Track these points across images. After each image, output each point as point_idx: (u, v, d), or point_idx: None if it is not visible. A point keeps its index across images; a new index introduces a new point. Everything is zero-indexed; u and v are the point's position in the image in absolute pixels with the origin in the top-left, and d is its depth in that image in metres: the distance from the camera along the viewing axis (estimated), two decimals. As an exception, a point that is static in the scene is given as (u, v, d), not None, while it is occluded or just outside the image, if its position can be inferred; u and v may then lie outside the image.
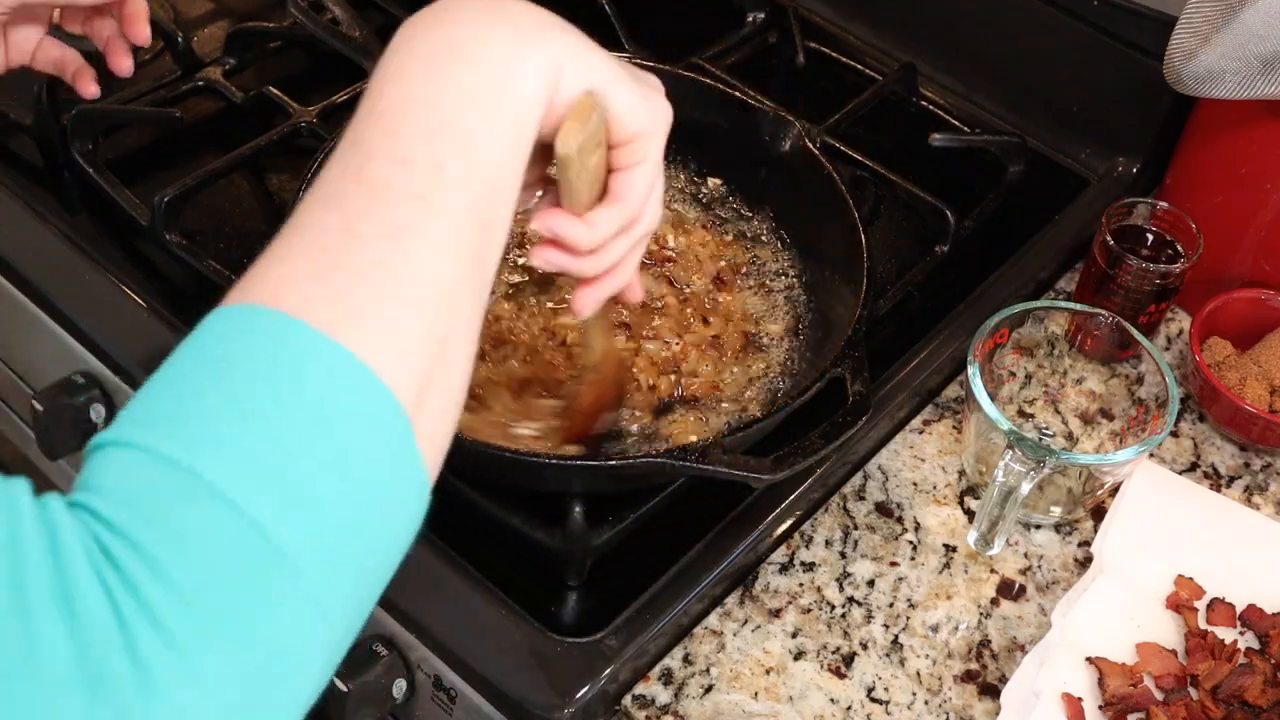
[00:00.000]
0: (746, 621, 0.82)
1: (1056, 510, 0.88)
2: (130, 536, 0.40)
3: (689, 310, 0.91)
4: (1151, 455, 0.93)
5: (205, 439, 0.42)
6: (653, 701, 0.78)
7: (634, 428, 0.84)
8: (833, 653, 0.81)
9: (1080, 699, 0.76)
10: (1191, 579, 0.84)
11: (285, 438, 0.43)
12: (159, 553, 0.40)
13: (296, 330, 0.45)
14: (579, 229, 0.62)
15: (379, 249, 0.48)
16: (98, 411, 0.93)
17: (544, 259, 0.63)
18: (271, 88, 1.05)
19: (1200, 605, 0.83)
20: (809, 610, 0.83)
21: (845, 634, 0.82)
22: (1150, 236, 0.98)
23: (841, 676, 0.80)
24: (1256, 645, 0.82)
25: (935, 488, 0.90)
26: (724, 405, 0.86)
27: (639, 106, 0.62)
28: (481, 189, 0.52)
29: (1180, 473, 0.93)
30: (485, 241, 0.53)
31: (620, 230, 0.64)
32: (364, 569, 0.45)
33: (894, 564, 0.85)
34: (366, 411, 0.45)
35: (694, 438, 0.83)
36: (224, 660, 0.40)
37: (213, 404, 0.43)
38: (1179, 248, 0.97)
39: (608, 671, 0.75)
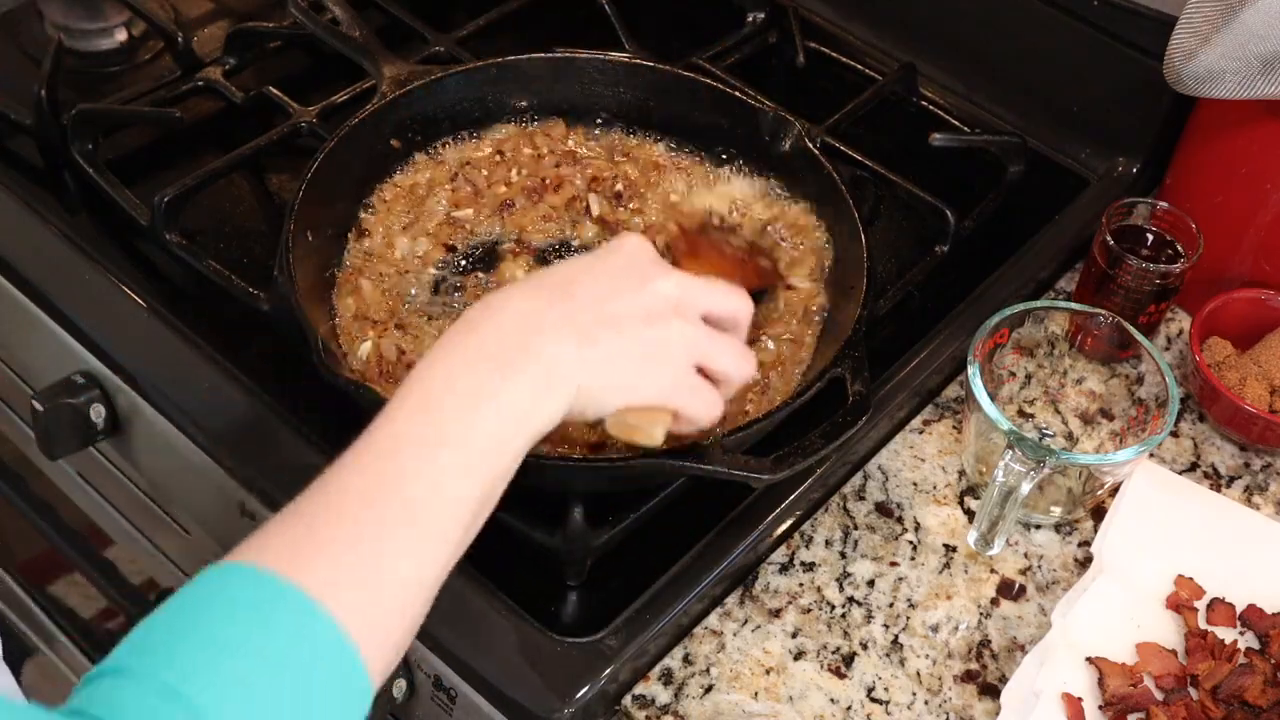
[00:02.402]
0: (746, 621, 0.82)
1: (1056, 510, 0.88)
2: None
3: None
4: (1151, 455, 0.93)
5: (195, 670, 0.50)
6: (653, 701, 0.78)
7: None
8: (833, 653, 0.81)
9: (1080, 699, 0.77)
10: (1191, 579, 0.84)
11: (258, 675, 0.51)
12: None
13: (287, 591, 0.53)
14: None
15: (382, 546, 0.56)
16: (98, 411, 0.93)
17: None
18: (271, 88, 1.05)
19: (1200, 605, 0.83)
20: (809, 610, 0.83)
21: (845, 634, 0.82)
22: (1150, 236, 0.98)
23: (841, 676, 0.80)
24: (1256, 645, 0.82)
25: (935, 488, 0.90)
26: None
27: (696, 413, 0.69)
28: (487, 498, 0.61)
29: (1180, 473, 0.93)
30: (472, 530, 0.61)
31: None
32: None
33: (894, 564, 0.86)
34: (338, 671, 0.53)
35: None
36: None
37: (201, 641, 0.51)
38: (1179, 248, 0.97)
39: (608, 671, 0.75)
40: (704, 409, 0.69)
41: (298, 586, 0.52)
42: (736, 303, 0.72)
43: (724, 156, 0.99)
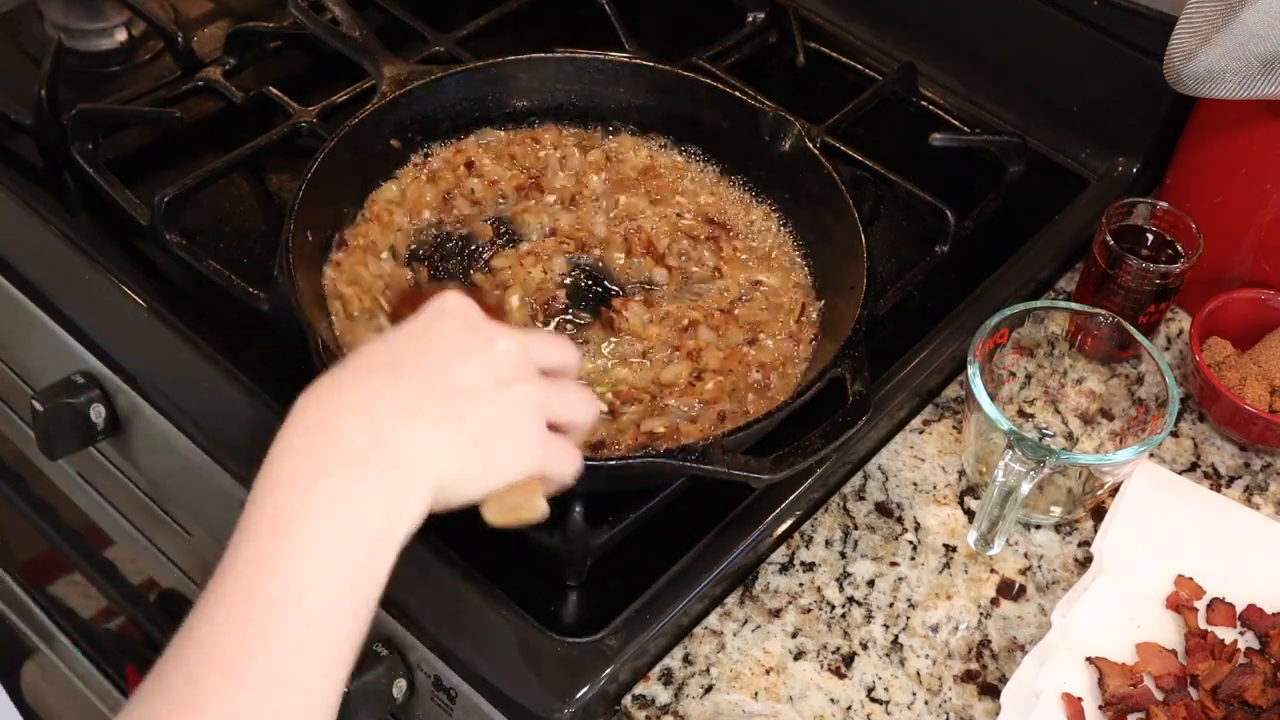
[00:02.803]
0: (746, 621, 0.82)
1: (1056, 510, 0.88)
2: None
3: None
4: (1151, 455, 0.93)
5: None
6: (653, 701, 0.78)
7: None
8: (833, 653, 0.81)
9: (1080, 699, 0.77)
10: (1191, 579, 0.84)
11: None
12: None
13: None
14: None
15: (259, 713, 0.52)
16: (98, 411, 0.93)
17: None
18: (271, 88, 1.05)
19: (1200, 605, 0.83)
20: (809, 610, 0.83)
21: (845, 634, 0.82)
22: (1150, 236, 0.98)
23: (841, 676, 0.80)
24: (1256, 645, 0.82)
25: (935, 488, 0.90)
26: (724, 405, 0.86)
27: (561, 469, 0.65)
28: (356, 624, 0.56)
29: (1180, 473, 0.93)
30: (354, 640, 0.56)
31: None
32: None
33: (894, 564, 0.86)
34: None
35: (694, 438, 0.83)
36: None
37: None
38: (1179, 248, 0.97)
39: (608, 671, 0.75)
40: (566, 465, 0.65)
41: None
42: (566, 349, 0.68)
43: (699, 153, 0.99)
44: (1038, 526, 0.89)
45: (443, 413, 0.59)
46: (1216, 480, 0.93)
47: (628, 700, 0.77)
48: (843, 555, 0.86)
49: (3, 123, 1.02)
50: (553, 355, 0.67)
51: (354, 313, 0.86)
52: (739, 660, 0.80)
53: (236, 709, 0.51)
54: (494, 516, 0.63)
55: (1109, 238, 0.95)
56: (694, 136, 1.00)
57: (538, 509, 0.64)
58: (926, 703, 0.79)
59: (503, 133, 1.00)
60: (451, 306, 0.65)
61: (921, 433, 0.93)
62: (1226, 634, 0.82)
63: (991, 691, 0.80)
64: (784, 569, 0.85)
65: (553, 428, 0.65)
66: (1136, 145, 1.09)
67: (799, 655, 0.80)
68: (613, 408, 0.84)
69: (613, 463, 0.77)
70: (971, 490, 0.90)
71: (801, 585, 0.84)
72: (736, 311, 0.91)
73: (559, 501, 0.76)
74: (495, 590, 0.78)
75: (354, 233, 0.91)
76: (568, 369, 0.69)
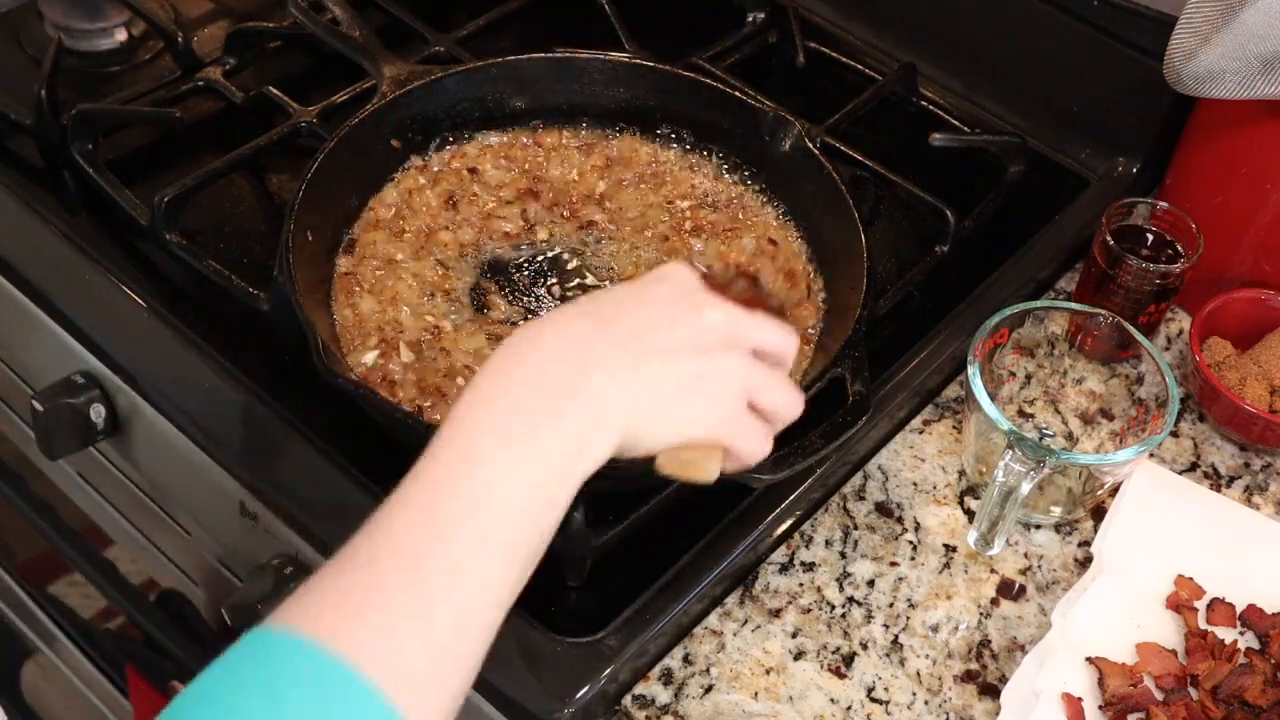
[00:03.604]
0: (746, 621, 0.82)
1: (1056, 510, 0.88)
2: None
3: None
4: (1151, 455, 0.93)
5: None
6: (653, 701, 0.78)
7: None
8: (833, 653, 0.81)
9: (1080, 699, 0.77)
10: (1191, 579, 0.84)
11: None
12: None
13: (331, 666, 0.51)
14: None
15: (429, 611, 0.54)
16: (98, 411, 0.93)
17: None
18: (271, 88, 1.05)
19: (1200, 605, 0.83)
20: (809, 610, 0.83)
21: (845, 634, 0.82)
22: (1150, 236, 0.98)
23: (841, 676, 0.80)
24: (1256, 645, 0.82)
25: (935, 488, 0.90)
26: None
27: (746, 448, 0.66)
28: (529, 554, 0.58)
29: (1180, 473, 0.93)
30: (523, 577, 0.58)
31: None
32: None
33: (894, 564, 0.86)
34: None
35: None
36: None
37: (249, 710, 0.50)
38: (1179, 248, 0.97)
39: (608, 671, 0.75)
40: (754, 446, 0.66)
41: (341, 658, 0.51)
42: (785, 338, 0.68)
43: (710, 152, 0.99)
44: (1038, 526, 0.89)
45: (644, 363, 0.61)
46: (1216, 480, 0.93)
47: (628, 700, 0.77)
48: (843, 555, 0.86)
49: (3, 123, 1.02)
50: (771, 339, 0.68)
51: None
52: (739, 660, 0.80)
53: (414, 591, 0.53)
54: (665, 465, 0.64)
55: (1109, 238, 0.95)
56: (693, 136, 1.00)
57: (710, 473, 0.65)
58: (926, 703, 0.79)
59: (504, 136, 1.00)
60: (671, 274, 0.67)
61: (921, 433, 0.93)
62: (1226, 634, 0.82)
63: (991, 691, 0.80)
64: (784, 569, 0.85)
65: (752, 410, 0.66)
66: (1136, 145, 1.09)
67: (799, 655, 0.80)
68: None
69: (612, 463, 0.76)
70: (971, 490, 0.90)
71: (801, 585, 0.84)
72: None
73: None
74: (495, 590, 0.78)
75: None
76: (782, 357, 0.69)
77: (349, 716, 0.50)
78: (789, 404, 0.68)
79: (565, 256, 0.93)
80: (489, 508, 0.56)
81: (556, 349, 0.60)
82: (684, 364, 0.63)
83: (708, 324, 0.64)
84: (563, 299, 0.91)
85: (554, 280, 0.92)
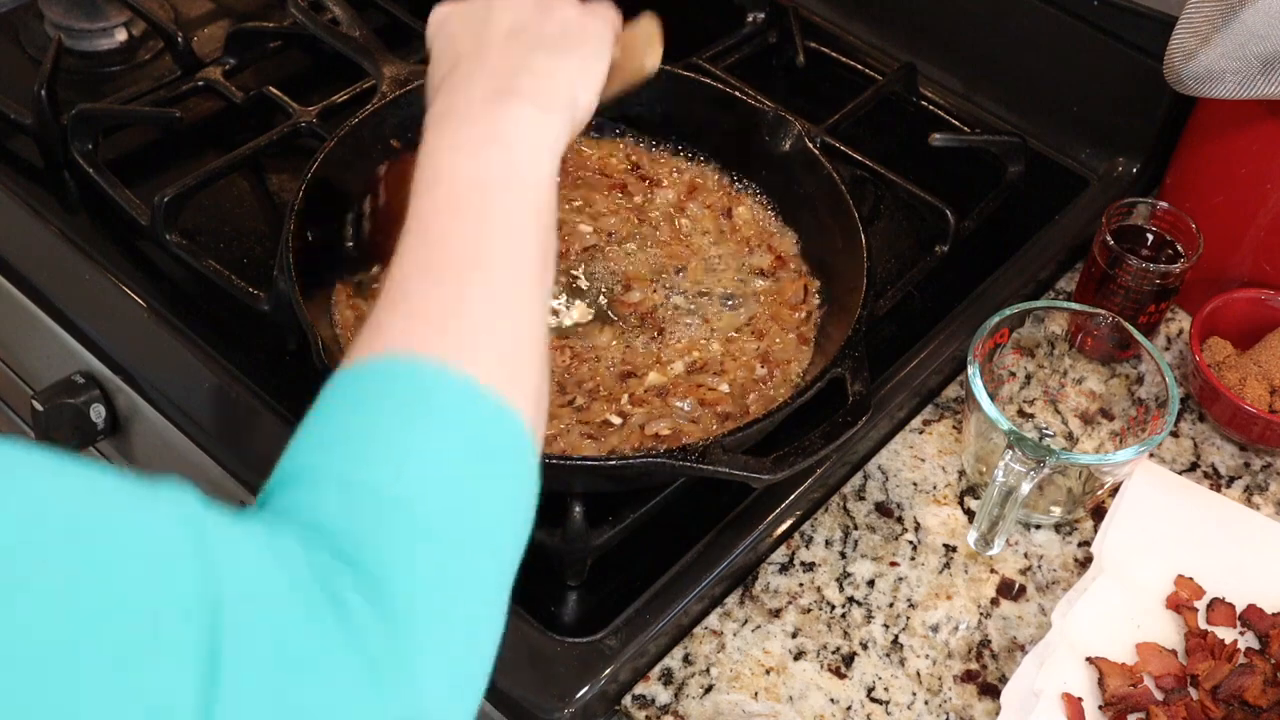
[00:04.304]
0: (746, 621, 0.82)
1: (1056, 510, 0.88)
2: (355, 557, 0.47)
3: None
4: (1151, 455, 0.93)
5: (373, 460, 0.50)
6: (653, 701, 0.78)
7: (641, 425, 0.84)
8: (833, 653, 0.81)
9: (1080, 699, 0.77)
10: (1191, 579, 0.84)
11: (433, 454, 0.51)
12: (380, 562, 0.47)
13: (435, 368, 0.53)
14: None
15: (484, 299, 0.56)
16: (98, 411, 0.93)
17: None
18: (271, 88, 1.05)
19: (1200, 605, 0.83)
20: (809, 610, 0.83)
21: (845, 634, 0.82)
22: (1150, 236, 0.98)
23: (841, 676, 0.80)
24: (1256, 645, 0.82)
25: (935, 488, 0.90)
26: (724, 405, 0.86)
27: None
28: (544, 227, 0.61)
29: (1180, 473, 0.93)
30: (549, 258, 0.61)
31: None
32: (491, 541, 0.53)
33: (894, 564, 0.86)
34: (500, 429, 0.53)
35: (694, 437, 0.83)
36: (451, 647, 0.49)
37: (378, 428, 0.51)
38: (1179, 248, 0.97)
39: (608, 671, 0.75)
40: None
41: (445, 365, 0.53)
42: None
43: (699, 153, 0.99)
44: (1038, 526, 0.89)
45: (530, 61, 0.65)
46: (1216, 480, 0.93)
47: (628, 700, 0.77)
48: (843, 555, 0.86)
49: (3, 123, 1.02)
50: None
51: None
52: (739, 660, 0.80)
53: (485, 286, 0.56)
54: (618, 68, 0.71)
55: (1109, 238, 0.95)
56: (694, 136, 1.00)
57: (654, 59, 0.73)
58: (926, 703, 0.79)
59: None
60: None
61: (921, 433, 0.93)
62: (1226, 634, 0.82)
63: (991, 691, 0.80)
64: (784, 569, 0.85)
65: None
66: (1136, 145, 1.09)
67: (799, 655, 0.80)
68: (623, 413, 0.84)
69: (613, 463, 0.77)
70: (971, 490, 0.90)
71: (801, 585, 0.84)
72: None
73: (559, 502, 0.76)
74: (495, 590, 0.78)
75: None
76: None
77: (468, 418, 0.52)
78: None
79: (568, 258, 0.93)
80: (503, 196, 0.59)
81: (472, 85, 0.64)
82: (553, 31, 0.67)
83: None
84: (565, 297, 0.90)
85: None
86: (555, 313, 0.89)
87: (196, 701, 0.40)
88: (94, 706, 0.38)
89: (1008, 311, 0.88)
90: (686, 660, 0.80)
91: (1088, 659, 0.79)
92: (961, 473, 0.91)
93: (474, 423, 0.52)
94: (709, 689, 0.78)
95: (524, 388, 0.55)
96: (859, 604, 0.83)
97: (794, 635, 0.81)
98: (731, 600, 0.83)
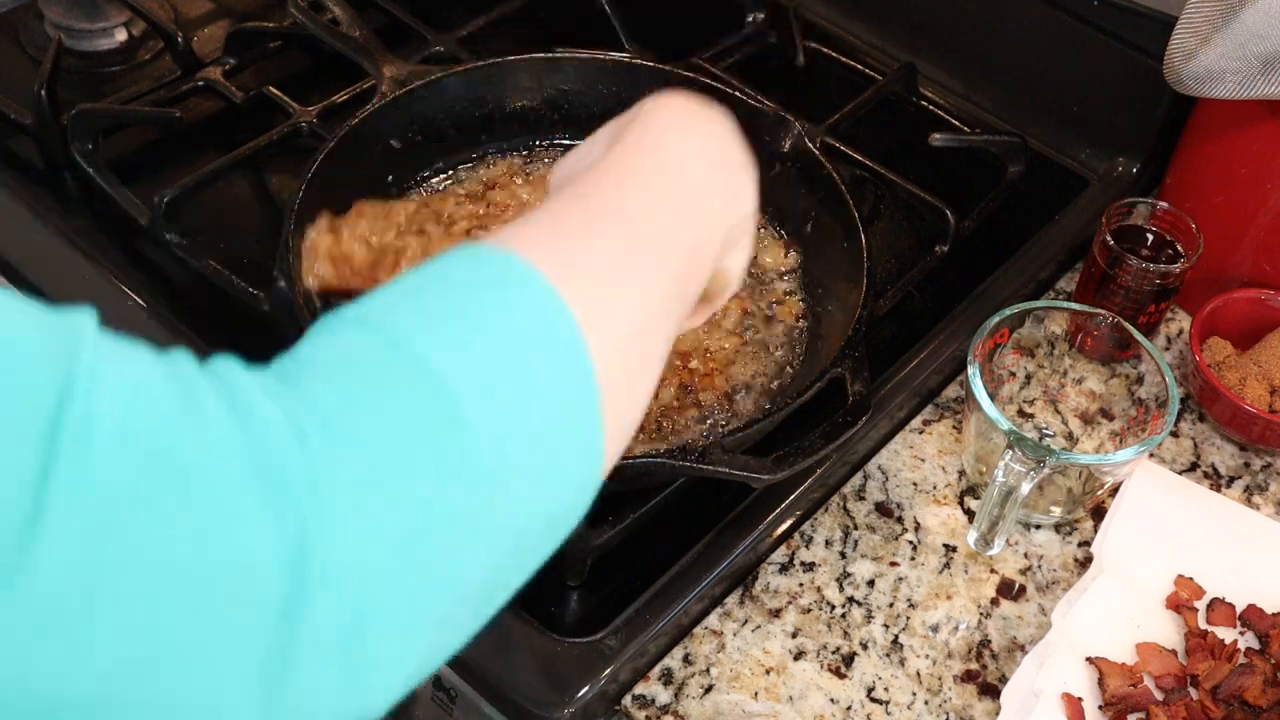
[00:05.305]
0: (746, 621, 0.82)
1: (1056, 510, 0.88)
2: (317, 380, 0.43)
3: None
4: (1151, 455, 0.93)
5: (424, 325, 0.45)
6: (653, 701, 0.78)
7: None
8: (833, 653, 0.81)
9: (1080, 699, 0.77)
10: (1191, 579, 0.84)
11: (493, 343, 0.46)
12: (342, 393, 0.43)
13: (531, 274, 0.49)
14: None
15: (624, 257, 0.53)
16: (98, 411, 0.93)
17: None
18: (271, 88, 1.05)
19: (1200, 605, 0.83)
20: (809, 610, 0.83)
21: (845, 634, 0.82)
22: (1150, 236, 0.98)
23: (841, 676, 0.80)
24: (1256, 645, 0.82)
25: (935, 488, 0.90)
26: (723, 406, 0.86)
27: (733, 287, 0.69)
28: (698, 259, 0.59)
29: (1180, 473, 0.93)
30: (684, 297, 0.58)
31: None
32: (530, 504, 0.47)
33: (894, 564, 0.86)
34: (570, 364, 0.48)
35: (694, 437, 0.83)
36: (390, 503, 0.42)
37: (435, 304, 0.47)
38: (1179, 248, 0.97)
39: (608, 671, 0.75)
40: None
41: (544, 275, 0.49)
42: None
43: None
44: (1038, 526, 0.89)
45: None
46: (1216, 480, 0.93)
47: (628, 700, 0.77)
48: (843, 555, 0.86)
49: (3, 123, 1.02)
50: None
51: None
52: (739, 660, 0.80)
53: (611, 245, 0.53)
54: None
55: (1109, 238, 0.95)
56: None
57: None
58: (926, 703, 0.79)
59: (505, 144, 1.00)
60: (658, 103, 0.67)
61: (921, 433, 0.93)
62: (1226, 634, 0.82)
63: (991, 691, 0.80)
64: (784, 569, 0.85)
65: None
66: (1136, 145, 1.09)
67: (799, 655, 0.80)
68: None
69: (613, 463, 0.77)
70: (971, 490, 0.90)
71: (801, 585, 0.84)
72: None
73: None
74: (495, 590, 0.78)
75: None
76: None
77: (545, 329, 0.48)
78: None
79: None
80: (673, 210, 0.57)
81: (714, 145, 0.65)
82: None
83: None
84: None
85: None
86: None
87: (34, 493, 0.36)
88: None
89: (1008, 311, 0.88)
90: (686, 660, 0.80)
91: (1088, 659, 0.79)
92: (961, 473, 0.91)
93: (547, 345, 0.48)
94: (709, 689, 0.78)
95: (619, 372, 0.51)
96: (859, 604, 0.83)
97: (794, 635, 0.81)
98: (731, 600, 0.83)
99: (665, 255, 0.56)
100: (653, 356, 0.54)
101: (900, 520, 0.88)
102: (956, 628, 0.83)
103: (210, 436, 0.39)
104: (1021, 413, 0.94)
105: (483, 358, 0.46)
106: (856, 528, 0.87)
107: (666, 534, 0.82)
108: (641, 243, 0.55)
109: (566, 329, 0.48)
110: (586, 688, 0.74)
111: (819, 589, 0.84)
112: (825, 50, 1.18)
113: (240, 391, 0.41)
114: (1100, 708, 0.77)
